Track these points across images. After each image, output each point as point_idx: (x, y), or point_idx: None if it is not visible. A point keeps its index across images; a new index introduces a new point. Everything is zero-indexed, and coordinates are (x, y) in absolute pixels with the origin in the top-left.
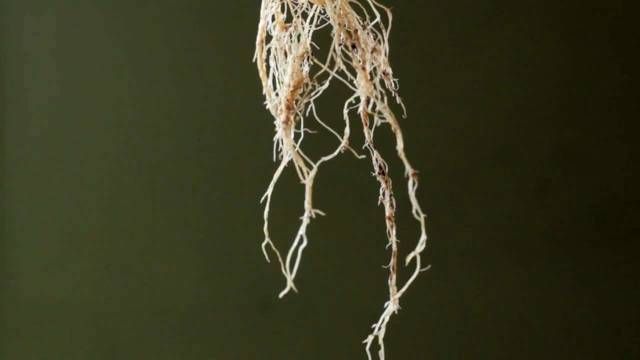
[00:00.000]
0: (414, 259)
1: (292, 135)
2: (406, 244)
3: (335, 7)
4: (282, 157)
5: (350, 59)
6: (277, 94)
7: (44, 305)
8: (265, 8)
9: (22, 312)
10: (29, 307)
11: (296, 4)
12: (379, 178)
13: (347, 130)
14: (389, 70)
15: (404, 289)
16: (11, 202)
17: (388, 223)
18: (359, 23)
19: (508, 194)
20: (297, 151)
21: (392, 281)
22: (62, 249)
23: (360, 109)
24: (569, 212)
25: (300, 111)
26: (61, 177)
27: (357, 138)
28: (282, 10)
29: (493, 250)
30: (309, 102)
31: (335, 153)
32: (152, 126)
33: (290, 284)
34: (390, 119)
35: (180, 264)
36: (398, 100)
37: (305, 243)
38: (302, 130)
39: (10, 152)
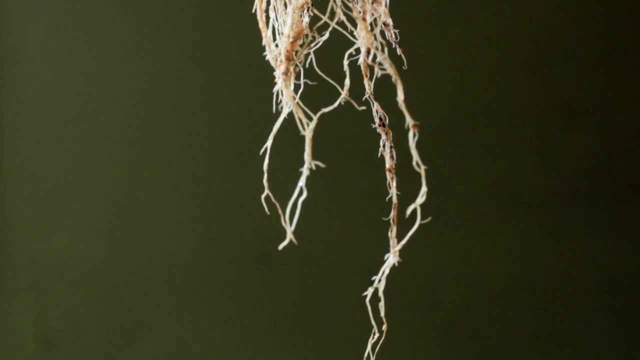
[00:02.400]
0: (415, 211)
1: (292, 87)
2: (407, 196)
3: None
4: (281, 108)
5: (351, 10)
6: (276, 45)
7: (42, 259)
8: None
9: (20, 266)
10: (27, 261)
11: None
12: (379, 130)
13: (347, 82)
14: (390, 21)
15: (404, 241)
16: (9, 156)
17: (388, 175)
18: None
19: (509, 148)
20: (297, 102)
21: (393, 233)
22: (60, 202)
23: (361, 60)
24: (570, 167)
25: (300, 62)
26: (59, 131)
27: (357, 89)
28: None
29: (493, 204)
30: (308, 54)
31: (336, 104)
32: (150, 81)
33: (289, 235)
34: (390, 70)
35: (179, 216)
36: (398, 51)
37: (305, 195)
38: (302, 81)
39: (8, 107)
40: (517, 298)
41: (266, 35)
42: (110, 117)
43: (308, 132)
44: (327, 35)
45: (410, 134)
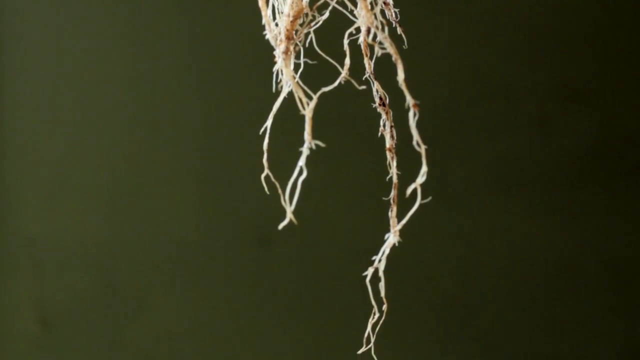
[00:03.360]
0: (415, 190)
1: (292, 66)
2: (407, 176)
3: None
4: (281, 87)
5: None
6: (276, 24)
7: (42, 240)
8: None
9: (20, 246)
10: (27, 242)
11: None
12: (379, 109)
13: (347, 61)
14: (390, 0)
15: (404, 221)
16: (9, 136)
17: (388, 154)
18: None
19: (509, 129)
20: (297, 82)
21: (393, 213)
22: (60, 183)
23: (361, 39)
24: (569, 147)
25: (300, 41)
26: (59, 110)
27: (357, 69)
28: None
29: (493, 185)
30: (308, 33)
31: (336, 84)
32: (148, 61)
33: (289, 215)
34: (390, 49)
35: (178, 196)
36: (399, 30)
37: (305, 174)
38: (301, 60)
39: (8, 88)
40: (516, 278)
41: (266, 14)
42: (110, 98)
43: (308, 112)
44: (327, 14)
45: (411, 114)
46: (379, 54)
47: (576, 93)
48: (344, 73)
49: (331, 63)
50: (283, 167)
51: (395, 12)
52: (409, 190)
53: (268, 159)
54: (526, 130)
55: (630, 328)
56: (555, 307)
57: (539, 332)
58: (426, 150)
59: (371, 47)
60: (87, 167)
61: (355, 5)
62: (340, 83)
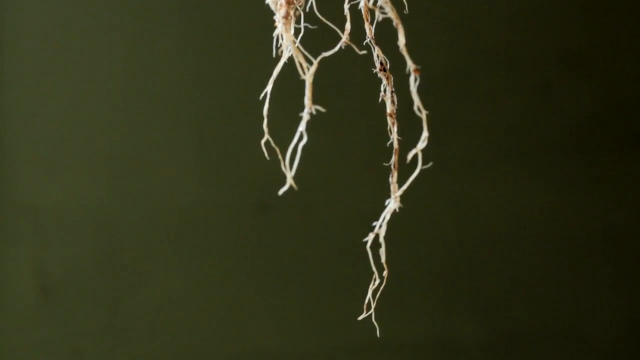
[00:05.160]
0: (416, 156)
1: (292, 31)
2: (408, 142)
3: None
4: (281, 52)
5: None
6: None
7: (42, 208)
8: None
9: (20, 214)
10: (27, 210)
11: None
12: (380, 74)
13: (347, 26)
14: None
15: (405, 187)
16: (9, 104)
17: (389, 120)
18: None
19: (509, 96)
20: (297, 46)
21: (393, 179)
22: (59, 150)
23: (362, 4)
24: (570, 116)
25: (300, 6)
26: (59, 78)
27: (358, 33)
28: None
29: (493, 152)
30: None
31: (336, 49)
32: (148, 28)
33: (289, 180)
34: (391, 14)
35: (179, 163)
36: None
37: (305, 140)
38: (302, 25)
39: (8, 56)
40: (515, 246)
41: None
42: (110, 65)
43: (308, 77)
44: None
45: (412, 78)
46: (380, 19)
47: (577, 60)
48: (345, 38)
49: (332, 28)
50: (283, 132)
51: None
52: (410, 156)
53: (268, 125)
54: (526, 97)
55: (628, 297)
56: (554, 274)
57: (538, 298)
58: (427, 115)
59: (372, 12)
60: (88, 135)
61: None
62: (340, 48)
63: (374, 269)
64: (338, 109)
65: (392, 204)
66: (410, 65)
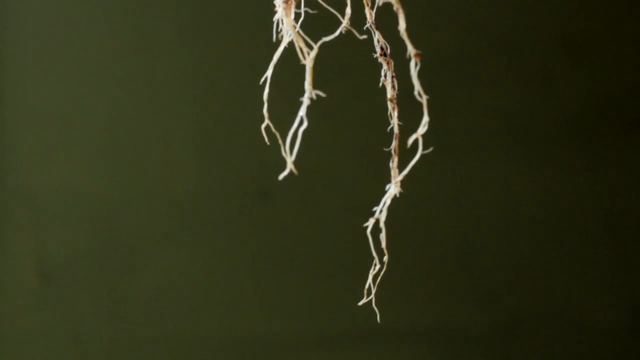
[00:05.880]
0: (416, 141)
1: (293, 15)
2: (408, 127)
3: None
4: (282, 37)
5: None
6: None
7: (42, 194)
8: None
9: (19, 200)
10: (26, 196)
11: None
12: (380, 59)
13: (348, 10)
14: None
15: (405, 172)
16: (8, 91)
17: (390, 105)
18: None
19: (510, 81)
20: (298, 31)
21: (394, 163)
22: (59, 137)
23: None
24: (571, 100)
25: None
26: (59, 63)
27: (358, 18)
28: None
29: (494, 137)
30: None
31: (337, 33)
32: (148, 15)
33: (290, 165)
34: None
35: (178, 149)
36: None
37: (305, 125)
38: (302, 10)
39: (8, 43)
40: (516, 231)
41: None
42: (109, 52)
43: (309, 61)
44: None
45: (412, 63)
46: (380, 4)
47: (577, 46)
48: (345, 22)
49: (332, 12)
50: (283, 117)
51: None
52: (410, 141)
53: (268, 109)
54: (527, 82)
55: (629, 281)
56: (555, 259)
57: (539, 284)
58: (427, 100)
59: None
60: (87, 121)
61: None
62: (341, 33)
63: (374, 254)
64: (338, 94)
65: (393, 189)
66: (411, 50)
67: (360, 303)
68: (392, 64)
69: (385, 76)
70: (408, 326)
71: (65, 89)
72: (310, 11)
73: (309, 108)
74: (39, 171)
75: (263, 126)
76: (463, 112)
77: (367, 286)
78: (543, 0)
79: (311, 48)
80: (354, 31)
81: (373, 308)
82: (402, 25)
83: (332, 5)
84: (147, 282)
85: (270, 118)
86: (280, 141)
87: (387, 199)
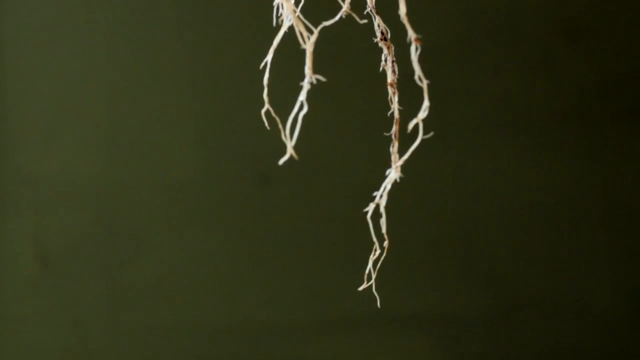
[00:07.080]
0: (416, 126)
1: (293, 0)
2: (408, 112)
3: None
4: (282, 21)
5: None
6: None
7: (42, 178)
8: None
9: (20, 184)
10: (27, 180)
11: None
12: (381, 44)
13: None
14: None
15: (406, 156)
16: (9, 75)
17: (390, 89)
18: None
19: (510, 67)
20: (298, 16)
21: (394, 148)
22: (60, 121)
23: None
24: (571, 86)
25: None
26: (59, 48)
27: (358, 2)
28: None
29: (494, 123)
30: None
31: (337, 18)
32: (149, 1)
33: (290, 150)
34: None
35: (179, 134)
36: None
37: (305, 109)
38: None
39: (8, 26)
40: (517, 217)
41: None
42: (110, 35)
43: (309, 46)
44: None
45: (412, 48)
46: None
47: (578, 31)
48: (345, 7)
49: None
50: (284, 103)
51: None
52: (411, 126)
53: (268, 94)
54: (527, 68)
55: (628, 267)
56: (554, 245)
57: (538, 270)
58: (428, 85)
59: None
60: (87, 106)
61: None
62: (341, 17)
63: (374, 239)
64: (339, 78)
65: (393, 174)
66: (411, 34)
67: (360, 288)
68: (393, 48)
69: (385, 61)
70: (408, 311)
71: (66, 74)
72: None
73: (309, 93)
74: (39, 156)
75: (263, 111)
76: (463, 97)
77: (367, 271)
78: None
79: (311, 32)
80: (355, 15)
81: (373, 293)
82: (402, 9)
83: None
84: (147, 267)
85: (270, 103)
86: (280, 126)
87: (387, 184)
